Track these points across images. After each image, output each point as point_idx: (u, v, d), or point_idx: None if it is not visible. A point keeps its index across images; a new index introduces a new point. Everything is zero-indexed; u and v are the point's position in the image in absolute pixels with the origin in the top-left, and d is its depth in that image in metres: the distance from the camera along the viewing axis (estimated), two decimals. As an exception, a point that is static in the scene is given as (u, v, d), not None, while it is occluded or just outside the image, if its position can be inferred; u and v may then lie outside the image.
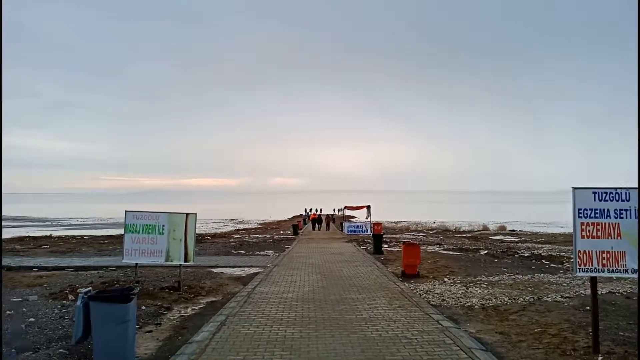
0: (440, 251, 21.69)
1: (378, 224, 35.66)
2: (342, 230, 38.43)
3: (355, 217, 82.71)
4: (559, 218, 77.85)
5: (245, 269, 14.59)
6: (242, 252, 21.55)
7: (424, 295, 10.23)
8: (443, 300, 9.68)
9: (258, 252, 21.03)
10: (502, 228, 44.97)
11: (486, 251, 22.07)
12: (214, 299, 9.84)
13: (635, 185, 5.80)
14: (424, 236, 33.71)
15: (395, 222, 65.48)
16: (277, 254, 19.74)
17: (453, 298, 9.88)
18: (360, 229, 35.25)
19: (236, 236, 36.02)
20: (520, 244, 27.15)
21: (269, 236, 34.58)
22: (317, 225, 37.85)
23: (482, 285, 11.57)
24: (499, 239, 31.92)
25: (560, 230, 47.02)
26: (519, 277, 13.23)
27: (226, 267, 15.05)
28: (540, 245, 26.07)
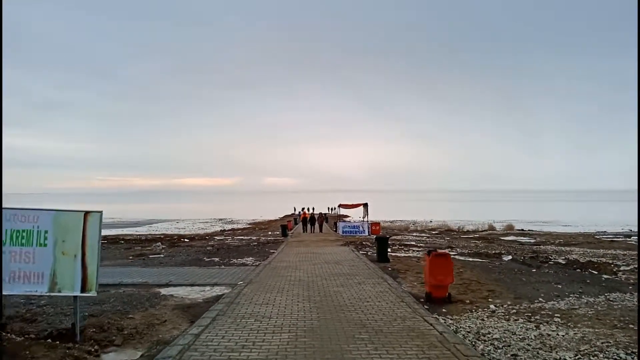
0: (457, 257, 17.71)
1: (376, 223, 31.63)
2: (336, 231, 34.39)
3: (349, 217, 78.79)
4: (558, 217, 74.71)
5: (207, 288, 10.44)
6: (216, 259, 17.42)
7: (479, 343, 6.19)
8: (516, 358, 5.63)
9: (235, 260, 16.90)
10: (510, 227, 41.18)
11: (510, 257, 18.17)
12: None
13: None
14: (427, 237, 29.79)
15: (391, 221, 61.64)
16: (257, 263, 15.63)
17: (529, 351, 5.84)
18: (357, 230, 31.23)
19: (218, 238, 31.92)
20: (543, 247, 23.30)
21: (254, 238, 30.49)
22: (308, 226, 32.53)
23: (555, 318, 7.56)
24: (512, 240, 28.09)
25: (565, 230, 43.50)
26: (590, 299, 9.28)
27: (182, 285, 10.90)
28: (567, 249, 22.23)
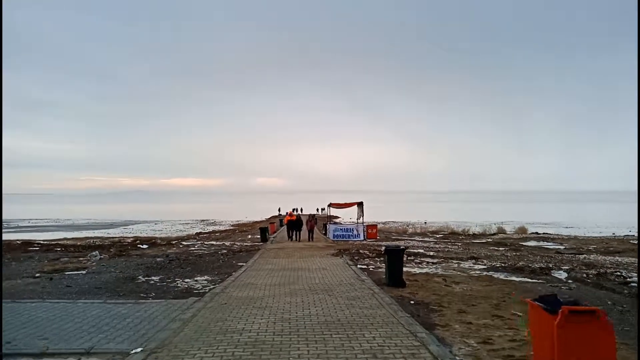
0: (494, 275, 12.48)
1: (373, 226, 26.35)
2: (325, 235, 29.01)
3: (338, 217, 73.40)
4: (556, 218, 70.30)
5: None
6: (155, 279, 11.96)
7: None
8: None
9: (179, 282, 11.46)
10: (523, 230, 36.11)
11: (564, 274, 13.00)
12: None
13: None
14: (434, 243, 24.58)
15: (383, 223, 56.88)
16: (207, 289, 10.23)
17: None
18: (351, 234, 25.89)
19: (186, 243, 26.41)
20: (584, 257, 18.21)
21: (228, 244, 25.02)
22: (295, 232, 25.25)
23: None
24: (537, 247, 23.02)
25: (571, 232, 38.90)
26: None
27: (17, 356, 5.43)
28: (619, 259, 17.17)
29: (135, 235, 47.36)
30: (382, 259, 15.93)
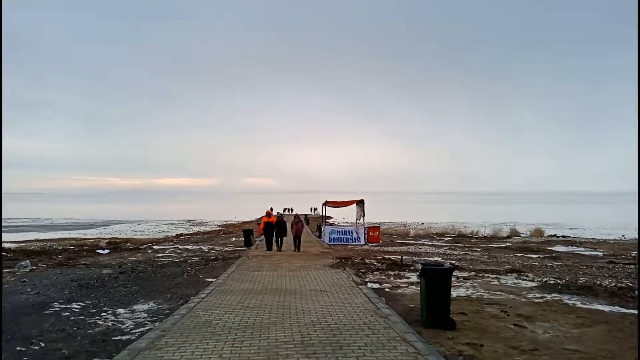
0: (565, 300, 8.66)
1: (375, 228, 22.49)
2: (320, 238, 25.09)
3: (332, 218, 69.27)
4: (559, 219, 66.92)
5: None
6: (75, 308, 8.03)
7: None
8: None
9: (101, 317, 7.49)
10: (539, 232, 32.33)
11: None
12: None
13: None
14: (448, 247, 20.77)
15: (379, 224, 53.24)
16: (124, 343, 6.29)
17: None
18: (350, 238, 21.99)
19: (158, 247, 22.45)
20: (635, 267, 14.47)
21: (206, 248, 21.06)
22: (278, 239, 18.11)
23: None
24: (571, 253, 19.29)
25: (585, 234, 35.42)
26: None
27: None
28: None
29: (113, 236, 43.12)
30: (395, 272, 12.11)
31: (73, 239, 37.85)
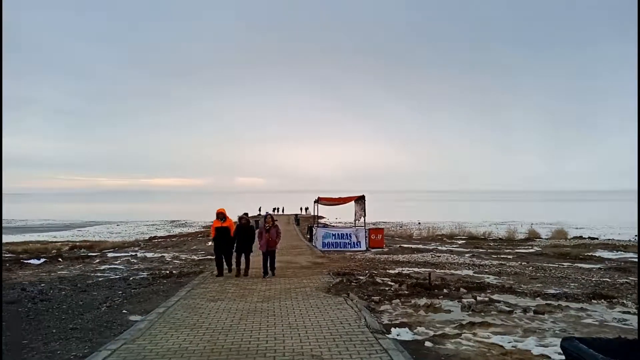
0: None
1: (377, 230, 18.35)
2: (311, 242, 20.87)
3: (323, 218, 64.81)
4: (560, 218, 63.42)
5: None
6: None
7: None
8: None
9: None
10: (562, 233, 28.39)
11: None
12: None
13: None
14: (470, 255, 16.64)
15: (374, 224, 49.21)
16: None
17: None
18: (348, 242, 17.77)
19: (113, 255, 18.18)
20: None
21: (169, 257, 16.80)
22: (239, 257, 11.02)
23: None
24: (622, 259, 15.29)
25: (594, 234, 31.71)
26: None
27: None
28: None
29: (85, 239, 38.83)
30: (425, 300, 7.93)
31: (38, 242, 33.36)
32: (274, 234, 10.68)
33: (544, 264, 13.65)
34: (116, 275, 12.23)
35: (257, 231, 11.96)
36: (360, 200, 18.82)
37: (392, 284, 9.46)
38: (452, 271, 12.02)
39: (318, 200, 18.27)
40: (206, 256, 16.52)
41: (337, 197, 18.26)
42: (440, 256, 15.09)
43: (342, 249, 17.66)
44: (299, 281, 9.93)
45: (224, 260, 10.83)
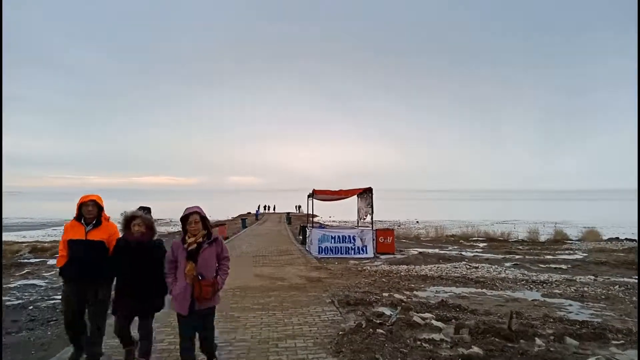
0: None
1: (387, 231, 14.40)
2: (305, 247, 16.94)
3: (316, 216, 60.81)
4: (565, 217, 60.21)
5: None
6: None
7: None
8: None
9: None
10: (595, 235, 24.77)
11: None
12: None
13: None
14: (512, 266, 12.84)
15: (370, 223, 45.37)
16: None
17: None
18: (350, 246, 13.90)
19: (52, 263, 14.14)
20: None
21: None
22: (130, 313, 4.20)
23: None
24: None
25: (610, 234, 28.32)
26: None
27: None
28: None
29: (55, 239, 34.79)
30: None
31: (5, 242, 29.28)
32: (211, 260, 4.01)
33: (623, 279, 9.87)
34: (21, 299, 8.29)
35: (175, 254, 4.07)
36: (365, 194, 14.92)
37: (442, 326, 5.57)
38: (509, 292, 8.21)
39: (313, 194, 14.32)
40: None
41: (337, 189, 14.32)
42: (477, 267, 11.24)
43: (343, 255, 13.79)
44: (285, 320, 5.99)
45: (86, 327, 4.32)
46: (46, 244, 26.93)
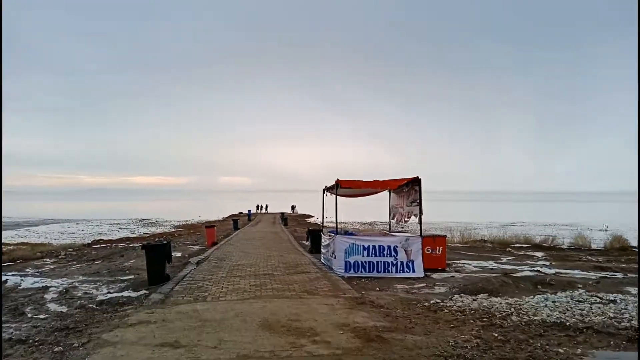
0: None
1: (438, 238, 10.00)
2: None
3: (312, 217, 57.04)
4: (571, 219, 56.92)
5: None
6: None
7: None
8: None
9: None
10: (620, 241, 20.89)
11: None
12: None
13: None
14: (618, 292, 8.78)
15: (370, 224, 42.51)
16: None
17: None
18: (392, 261, 9.70)
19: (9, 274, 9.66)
20: None
21: (55, 293, 8.43)
22: None
23: None
24: None
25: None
26: None
27: None
28: None
29: (25, 240, 30.45)
30: None
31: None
32: None
33: None
34: None
35: None
36: (407, 187, 10.70)
37: None
38: None
39: (338, 186, 10.01)
40: (124, 291, 8.25)
41: (372, 180, 10.06)
42: (615, 300, 7.02)
43: (380, 274, 9.55)
44: None
45: None
46: (17, 246, 22.63)
